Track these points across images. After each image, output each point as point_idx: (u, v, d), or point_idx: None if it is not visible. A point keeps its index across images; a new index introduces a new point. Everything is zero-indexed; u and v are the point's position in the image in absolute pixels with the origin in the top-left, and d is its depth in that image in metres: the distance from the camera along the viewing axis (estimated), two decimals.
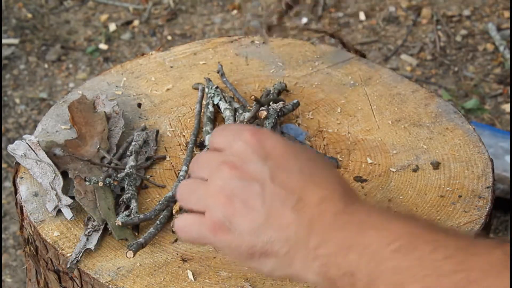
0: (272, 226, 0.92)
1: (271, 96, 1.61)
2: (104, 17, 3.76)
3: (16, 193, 1.48)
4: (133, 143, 1.52)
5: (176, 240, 1.38)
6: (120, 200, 1.42)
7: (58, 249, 1.36)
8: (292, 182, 0.92)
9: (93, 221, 1.38)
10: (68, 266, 1.33)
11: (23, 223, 1.47)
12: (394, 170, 1.52)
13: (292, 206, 0.91)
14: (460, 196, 1.46)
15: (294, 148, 0.96)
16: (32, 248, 1.44)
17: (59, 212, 1.42)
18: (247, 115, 1.52)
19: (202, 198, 0.97)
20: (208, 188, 0.97)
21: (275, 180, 0.92)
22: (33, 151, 1.49)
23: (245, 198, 0.94)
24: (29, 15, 3.75)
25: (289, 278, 0.96)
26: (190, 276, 1.32)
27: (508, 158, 2.73)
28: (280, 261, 0.93)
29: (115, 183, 1.43)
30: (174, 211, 1.41)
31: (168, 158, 1.55)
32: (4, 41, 3.60)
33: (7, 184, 3.02)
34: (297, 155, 0.95)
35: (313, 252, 0.89)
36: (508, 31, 3.55)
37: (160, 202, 1.40)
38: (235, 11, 3.77)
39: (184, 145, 1.58)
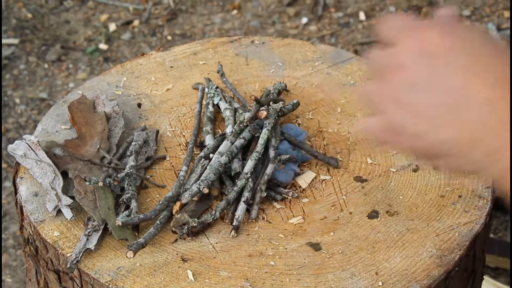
0: (447, 130, 0.95)
1: (271, 96, 1.61)
2: (104, 17, 3.76)
3: (16, 193, 1.48)
4: (133, 143, 1.52)
5: (176, 240, 1.38)
6: (120, 200, 1.42)
7: (58, 249, 1.36)
8: (457, 82, 0.95)
9: (93, 221, 1.38)
10: (68, 266, 1.33)
11: (23, 223, 1.47)
12: (394, 170, 1.52)
13: (460, 110, 0.94)
14: (460, 196, 1.46)
15: (460, 43, 0.97)
16: (32, 248, 1.44)
17: (59, 212, 1.42)
18: (247, 115, 1.52)
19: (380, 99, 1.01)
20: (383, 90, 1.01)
21: (441, 83, 0.95)
22: (33, 151, 1.49)
23: (415, 103, 0.97)
24: (29, 15, 3.75)
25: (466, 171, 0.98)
26: (190, 276, 1.32)
27: None
28: (457, 160, 0.96)
29: (115, 183, 1.44)
30: (174, 211, 1.41)
31: (168, 158, 1.55)
32: (4, 41, 3.60)
33: (7, 184, 3.02)
34: (463, 51, 0.96)
35: (494, 154, 0.93)
36: (508, 31, 3.55)
37: (160, 202, 1.40)
38: (235, 11, 3.77)
39: (184, 145, 1.58)
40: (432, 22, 1.00)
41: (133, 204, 1.41)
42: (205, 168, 1.47)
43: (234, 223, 1.40)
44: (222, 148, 1.50)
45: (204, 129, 1.59)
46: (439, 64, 0.96)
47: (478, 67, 0.94)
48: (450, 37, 0.97)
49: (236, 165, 1.48)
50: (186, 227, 1.38)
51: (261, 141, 1.49)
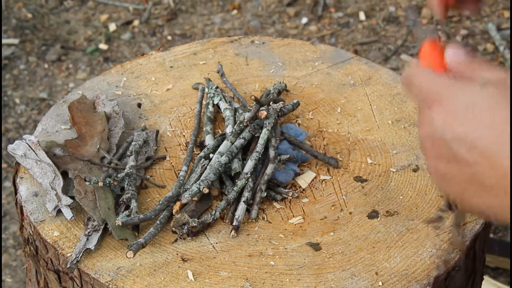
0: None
1: (271, 96, 1.61)
2: (104, 17, 3.76)
3: (16, 193, 1.48)
4: (133, 143, 1.52)
5: (176, 240, 1.38)
6: (120, 200, 1.42)
7: (58, 249, 1.36)
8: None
9: (93, 221, 1.38)
10: (68, 266, 1.33)
11: (23, 223, 1.47)
12: (394, 170, 1.52)
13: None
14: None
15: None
16: (32, 248, 1.44)
17: (59, 212, 1.42)
18: (247, 115, 1.52)
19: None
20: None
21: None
22: (33, 151, 1.49)
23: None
24: (29, 15, 3.75)
25: None
26: (190, 276, 1.32)
27: None
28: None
29: (115, 183, 1.44)
30: (174, 211, 1.41)
31: (168, 158, 1.55)
32: (4, 41, 3.60)
33: (7, 184, 3.02)
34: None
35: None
36: (508, 31, 3.55)
37: (160, 202, 1.40)
38: (235, 11, 3.77)
39: (184, 145, 1.58)
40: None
41: (133, 204, 1.41)
42: (205, 168, 1.47)
43: (234, 223, 1.40)
44: (222, 148, 1.50)
45: (204, 129, 1.59)
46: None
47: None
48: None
49: (236, 165, 1.48)
50: (186, 227, 1.38)
51: (261, 141, 1.49)
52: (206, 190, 1.41)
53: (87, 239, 1.36)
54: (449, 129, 0.96)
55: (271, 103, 1.54)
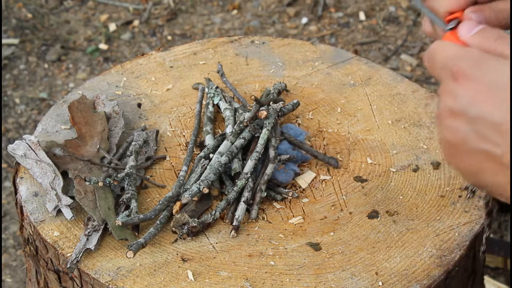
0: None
1: (271, 96, 1.61)
2: (104, 17, 3.76)
3: (16, 193, 1.48)
4: (133, 143, 1.52)
5: (176, 240, 1.38)
6: (120, 200, 1.42)
7: (58, 249, 1.36)
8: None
9: (93, 221, 1.38)
10: (68, 266, 1.33)
11: (23, 223, 1.47)
12: (394, 170, 1.52)
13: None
14: (460, 196, 1.46)
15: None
16: (32, 248, 1.44)
17: (59, 212, 1.42)
18: (247, 115, 1.52)
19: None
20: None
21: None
22: (33, 151, 1.49)
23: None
24: (29, 15, 3.75)
25: None
26: (190, 276, 1.32)
27: None
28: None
29: (115, 183, 1.44)
30: (174, 211, 1.41)
31: (168, 158, 1.55)
32: (4, 41, 3.60)
33: (7, 184, 3.02)
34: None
35: None
36: (508, 31, 3.55)
37: (160, 202, 1.40)
38: (235, 11, 3.77)
39: (184, 145, 1.58)
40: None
41: (133, 204, 1.41)
42: (205, 168, 1.47)
43: (234, 223, 1.40)
44: (222, 148, 1.50)
45: (204, 129, 1.59)
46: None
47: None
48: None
49: (236, 165, 1.48)
50: (186, 227, 1.38)
51: (261, 141, 1.49)
52: (206, 190, 1.41)
53: (87, 239, 1.36)
54: (475, 106, 0.93)
55: (271, 103, 1.54)
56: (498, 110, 0.92)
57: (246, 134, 1.52)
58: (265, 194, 1.46)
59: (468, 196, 1.38)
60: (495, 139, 0.93)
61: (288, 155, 1.49)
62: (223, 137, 1.54)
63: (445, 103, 0.97)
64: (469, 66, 0.95)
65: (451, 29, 1.02)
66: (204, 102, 1.65)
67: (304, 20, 3.70)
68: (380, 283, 1.31)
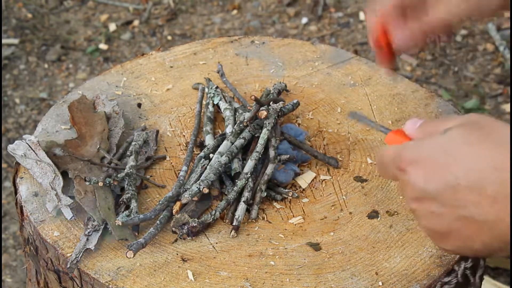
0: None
1: (271, 96, 1.61)
2: (104, 17, 3.76)
3: (16, 193, 1.48)
4: (133, 143, 1.52)
5: (176, 240, 1.38)
6: (120, 200, 1.42)
7: (58, 249, 1.36)
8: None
9: (93, 221, 1.38)
10: (68, 266, 1.33)
11: (23, 223, 1.47)
12: None
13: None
14: None
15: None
16: (32, 248, 1.44)
17: (59, 212, 1.42)
18: (247, 115, 1.52)
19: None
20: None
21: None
22: (33, 151, 1.49)
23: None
24: (29, 15, 3.75)
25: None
26: (190, 276, 1.32)
27: None
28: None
29: (115, 183, 1.44)
30: (174, 211, 1.41)
31: (168, 158, 1.55)
32: (4, 41, 3.60)
33: (7, 184, 3.02)
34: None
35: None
36: (508, 31, 3.55)
37: (160, 202, 1.40)
38: (235, 11, 3.77)
39: (184, 145, 1.58)
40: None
41: (133, 204, 1.41)
42: (205, 168, 1.47)
43: (234, 223, 1.40)
44: (222, 148, 1.50)
45: (204, 129, 1.59)
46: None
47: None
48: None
49: (236, 165, 1.48)
50: (186, 227, 1.38)
51: (261, 141, 1.49)
52: (206, 190, 1.41)
53: (87, 239, 1.36)
54: (430, 183, 0.99)
55: (271, 103, 1.54)
56: (447, 173, 0.97)
57: (246, 134, 1.52)
58: (265, 194, 1.46)
59: None
60: (460, 202, 0.97)
61: (288, 155, 1.49)
62: (223, 137, 1.54)
63: (408, 196, 1.03)
64: (409, 154, 1.01)
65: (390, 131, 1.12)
66: (204, 102, 1.65)
67: (304, 20, 3.70)
68: (380, 283, 1.31)
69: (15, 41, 3.61)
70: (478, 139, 0.97)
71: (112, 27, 3.70)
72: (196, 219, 1.38)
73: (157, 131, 1.58)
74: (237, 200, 1.44)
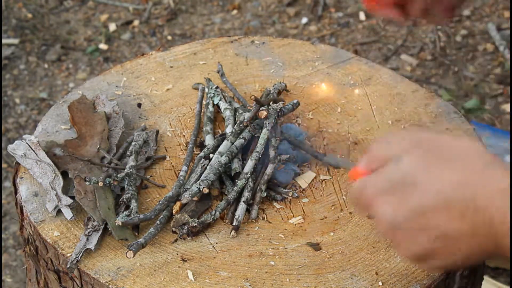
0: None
1: (271, 96, 1.61)
2: (104, 17, 3.76)
3: (16, 193, 1.48)
4: (133, 143, 1.52)
5: (176, 240, 1.38)
6: (120, 200, 1.42)
7: (58, 249, 1.36)
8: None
9: (93, 221, 1.38)
10: (68, 266, 1.33)
11: (23, 223, 1.47)
12: None
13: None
14: None
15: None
16: (32, 248, 1.44)
17: (59, 212, 1.42)
18: (247, 115, 1.52)
19: None
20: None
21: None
22: (33, 151, 1.49)
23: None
24: (29, 15, 3.75)
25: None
26: (190, 276, 1.32)
27: (508, 158, 2.73)
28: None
29: (115, 183, 1.43)
30: (174, 211, 1.41)
31: (168, 158, 1.55)
32: (4, 41, 3.60)
33: (7, 184, 3.02)
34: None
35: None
36: (508, 31, 3.55)
37: (160, 202, 1.40)
38: (235, 11, 3.77)
39: (184, 145, 1.58)
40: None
41: (133, 204, 1.41)
42: (205, 168, 1.47)
43: (234, 223, 1.40)
44: (222, 148, 1.50)
45: (204, 129, 1.59)
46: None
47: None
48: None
49: (236, 165, 1.47)
50: (186, 227, 1.38)
51: (261, 141, 1.49)
52: (206, 190, 1.41)
53: (87, 239, 1.36)
54: (397, 213, 1.02)
55: (271, 103, 1.54)
56: (412, 201, 1.01)
57: (246, 134, 1.52)
58: (265, 194, 1.46)
59: None
60: (431, 225, 1.01)
61: (288, 155, 1.49)
62: (223, 137, 1.54)
63: (384, 231, 1.06)
64: (369, 190, 1.05)
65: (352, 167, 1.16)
66: (204, 102, 1.65)
67: (304, 20, 3.70)
68: (380, 283, 1.31)
69: (15, 41, 3.61)
70: (431, 162, 1.01)
71: (112, 27, 3.70)
72: (196, 219, 1.38)
73: (157, 131, 1.58)
74: (237, 200, 1.44)
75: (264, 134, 1.49)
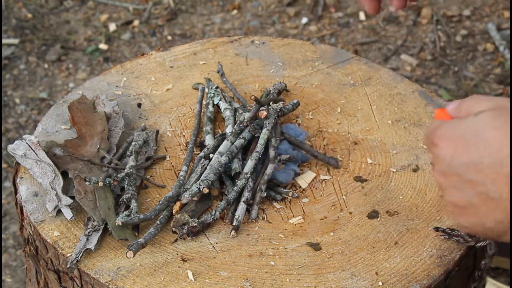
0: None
1: (271, 96, 1.61)
2: (104, 17, 3.76)
3: (16, 193, 1.48)
4: (133, 143, 1.52)
5: (176, 240, 1.38)
6: (120, 200, 1.42)
7: (58, 249, 1.36)
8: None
9: (93, 221, 1.38)
10: (68, 266, 1.33)
11: (23, 223, 1.47)
12: (394, 170, 1.52)
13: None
14: None
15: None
16: (32, 248, 1.44)
17: (59, 212, 1.42)
18: (247, 115, 1.52)
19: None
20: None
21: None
22: (33, 151, 1.49)
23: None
24: (29, 15, 3.75)
25: None
26: (190, 276, 1.32)
27: None
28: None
29: (115, 183, 1.43)
30: (174, 211, 1.41)
31: (168, 158, 1.55)
32: (4, 41, 3.60)
33: (7, 184, 3.02)
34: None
35: None
36: (508, 31, 3.55)
37: (160, 202, 1.40)
38: (235, 11, 3.77)
39: (184, 145, 1.58)
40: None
41: (133, 204, 1.41)
42: (205, 168, 1.47)
43: (234, 223, 1.40)
44: (222, 148, 1.50)
45: (204, 129, 1.59)
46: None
47: None
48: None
49: (236, 165, 1.48)
50: (186, 227, 1.38)
51: (261, 141, 1.49)
52: (206, 190, 1.41)
53: (87, 239, 1.36)
54: (456, 159, 1.07)
55: (271, 103, 1.54)
56: (475, 152, 1.05)
57: (246, 134, 1.52)
58: (265, 194, 1.46)
59: (443, 237, 1.40)
60: (480, 179, 1.05)
61: (288, 155, 1.49)
62: (223, 137, 1.54)
63: (436, 170, 1.11)
64: (443, 131, 1.10)
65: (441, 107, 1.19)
66: (204, 102, 1.65)
67: (304, 20, 3.70)
68: (380, 283, 1.31)
69: (15, 41, 3.61)
70: (504, 123, 1.05)
71: (112, 27, 3.70)
72: (196, 219, 1.38)
73: (157, 131, 1.58)
74: (237, 200, 1.44)
75: (264, 134, 1.49)
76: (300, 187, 1.50)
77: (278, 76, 1.74)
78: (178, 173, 1.50)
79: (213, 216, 1.40)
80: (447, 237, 1.38)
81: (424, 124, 1.62)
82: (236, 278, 1.32)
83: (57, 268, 1.39)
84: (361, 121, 1.63)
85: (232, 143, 1.50)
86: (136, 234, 1.38)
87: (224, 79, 1.70)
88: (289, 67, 1.77)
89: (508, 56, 3.42)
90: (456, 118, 1.13)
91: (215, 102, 1.63)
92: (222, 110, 1.61)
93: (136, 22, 3.73)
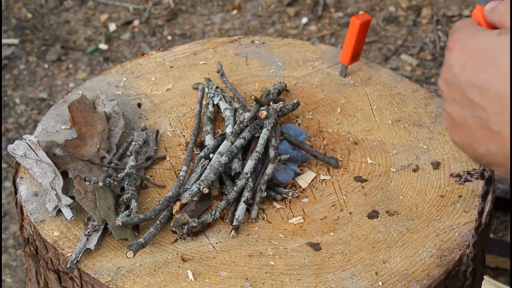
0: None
1: (271, 96, 1.61)
2: (104, 17, 3.76)
3: (16, 193, 1.48)
4: (133, 143, 1.52)
5: (176, 240, 1.38)
6: (120, 200, 1.42)
7: (58, 249, 1.36)
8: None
9: (93, 221, 1.38)
10: (68, 266, 1.33)
11: (23, 223, 1.47)
12: (394, 170, 1.52)
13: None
14: (460, 196, 1.46)
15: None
16: (32, 248, 1.44)
17: (59, 212, 1.42)
18: (247, 115, 1.52)
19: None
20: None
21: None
22: (33, 151, 1.49)
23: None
24: (29, 15, 3.75)
25: None
26: (190, 276, 1.32)
27: None
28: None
29: (115, 183, 1.44)
30: (174, 211, 1.41)
31: (168, 158, 1.55)
32: (4, 41, 3.60)
33: (7, 184, 3.02)
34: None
35: None
36: None
37: (160, 202, 1.40)
38: (235, 11, 3.77)
39: (184, 145, 1.58)
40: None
41: (133, 204, 1.41)
42: (205, 168, 1.47)
43: (234, 223, 1.40)
44: (222, 148, 1.50)
45: (204, 129, 1.59)
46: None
47: None
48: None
49: (236, 165, 1.48)
50: (186, 227, 1.38)
51: (261, 141, 1.49)
52: (206, 190, 1.41)
53: (87, 239, 1.36)
54: (465, 73, 0.98)
55: (271, 103, 1.54)
56: (485, 74, 0.96)
57: (246, 134, 1.52)
58: (265, 194, 1.46)
59: (458, 182, 1.38)
60: (483, 104, 0.97)
61: (288, 155, 1.50)
62: (223, 137, 1.54)
63: (442, 75, 1.02)
64: (463, 36, 1.00)
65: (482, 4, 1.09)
66: (204, 102, 1.65)
67: (304, 20, 3.70)
68: (380, 283, 1.31)
69: (15, 41, 3.61)
70: None
71: (112, 27, 3.70)
72: (196, 219, 1.38)
73: (157, 131, 1.58)
74: (237, 200, 1.44)
75: (264, 134, 1.49)
76: (300, 187, 1.50)
77: (278, 76, 1.74)
78: (178, 173, 1.50)
79: (213, 216, 1.40)
80: (462, 181, 1.34)
81: (424, 124, 1.62)
82: (236, 278, 1.32)
83: (57, 268, 1.39)
84: (361, 121, 1.63)
85: (232, 143, 1.50)
86: (136, 234, 1.38)
87: (224, 79, 1.70)
88: (289, 67, 1.77)
89: None
90: (481, 27, 1.02)
91: (215, 102, 1.63)
92: (222, 110, 1.61)
93: (136, 22, 3.74)
